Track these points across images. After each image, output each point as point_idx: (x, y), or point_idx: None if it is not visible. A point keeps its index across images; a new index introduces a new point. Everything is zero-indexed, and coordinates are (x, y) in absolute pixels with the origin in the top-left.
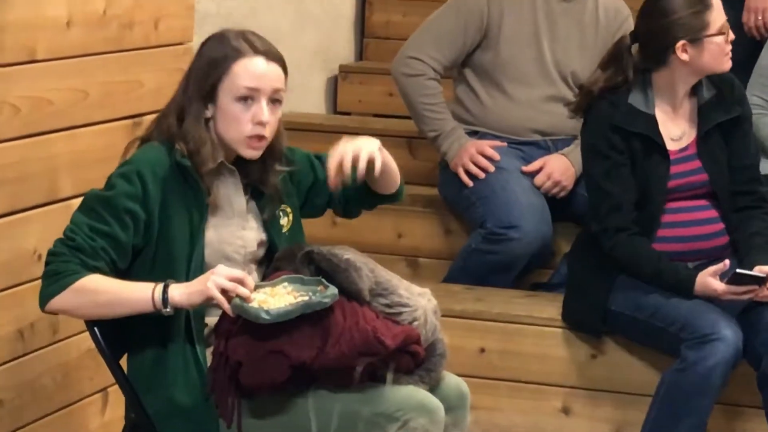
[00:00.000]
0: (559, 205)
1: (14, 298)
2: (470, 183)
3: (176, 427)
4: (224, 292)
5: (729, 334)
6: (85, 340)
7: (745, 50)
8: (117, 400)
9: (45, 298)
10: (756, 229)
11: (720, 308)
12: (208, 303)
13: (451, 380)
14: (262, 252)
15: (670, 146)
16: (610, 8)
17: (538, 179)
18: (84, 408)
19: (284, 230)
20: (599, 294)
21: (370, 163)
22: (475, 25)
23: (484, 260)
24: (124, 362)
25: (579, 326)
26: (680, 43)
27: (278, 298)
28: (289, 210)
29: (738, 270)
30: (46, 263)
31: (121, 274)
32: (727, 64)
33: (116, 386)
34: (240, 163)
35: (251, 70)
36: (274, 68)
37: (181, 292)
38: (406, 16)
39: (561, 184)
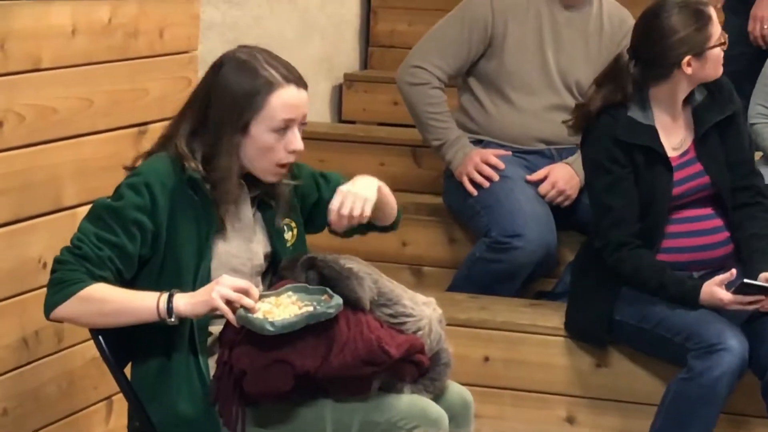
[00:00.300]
0: (563, 214)
1: (19, 306)
2: (475, 192)
3: None
4: (229, 302)
5: (735, 344)
6: (90, 349)
7: (750, 59)
8: (121, 408)
9: (50, 306)
10: (756, 230)
11: (726, 318)
12: (213, 313)
13: (455, 389)
14: (266, 264)
15: (672, 155)
16: (614, 17)
17: (543, 188)
18: (88, 416)
19: (288, 244)
20: (604, 304)
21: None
22: (480, 34)
23: (488, 269)
24: (128, 371)
25: (583, 336)
26: (686, 58)
27: (283, 308)
28: (293, 225)
29: (745, 280)
30: (52, 271)
31: (127, 284)
32: (721, 70)
33: (120, 395)
34: (248, 176)
35: (287, 102)
36: (304, 95)
37: (185, 302)
38: (411, 25)
39: (565, 193)
